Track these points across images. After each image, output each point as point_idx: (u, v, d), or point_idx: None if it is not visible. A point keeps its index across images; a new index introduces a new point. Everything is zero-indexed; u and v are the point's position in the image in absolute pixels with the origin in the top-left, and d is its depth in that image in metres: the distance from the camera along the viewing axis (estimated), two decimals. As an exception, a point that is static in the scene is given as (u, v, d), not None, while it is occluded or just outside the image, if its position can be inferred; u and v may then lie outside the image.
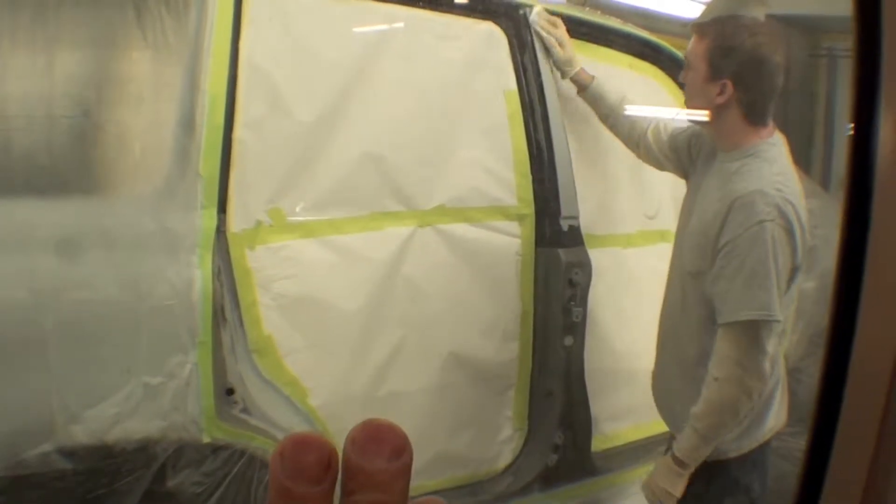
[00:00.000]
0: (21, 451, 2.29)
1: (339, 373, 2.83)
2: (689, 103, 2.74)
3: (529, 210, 3.16)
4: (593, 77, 3.18)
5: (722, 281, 2.49)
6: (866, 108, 1.04)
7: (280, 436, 2.63)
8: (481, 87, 3.13)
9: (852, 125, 1.08)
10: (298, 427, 2.69)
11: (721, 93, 2.54)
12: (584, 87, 3.20)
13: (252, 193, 2.64)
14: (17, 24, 2.33)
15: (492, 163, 3.12)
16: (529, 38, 3.19)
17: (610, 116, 3.17)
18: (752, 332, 2.45)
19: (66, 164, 2.46)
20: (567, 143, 3.19)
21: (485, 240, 3.09)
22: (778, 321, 2.44)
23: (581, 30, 3.44)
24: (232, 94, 2.58)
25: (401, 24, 2.99)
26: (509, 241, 3.14)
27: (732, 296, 2.47)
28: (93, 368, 2.38)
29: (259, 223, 2.65)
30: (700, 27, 2.64)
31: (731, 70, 2.53)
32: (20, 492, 2.33)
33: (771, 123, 2.59)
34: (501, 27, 3.18)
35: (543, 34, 3.18)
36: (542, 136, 3.18)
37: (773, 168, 2.50)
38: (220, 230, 2.57)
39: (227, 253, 2.59)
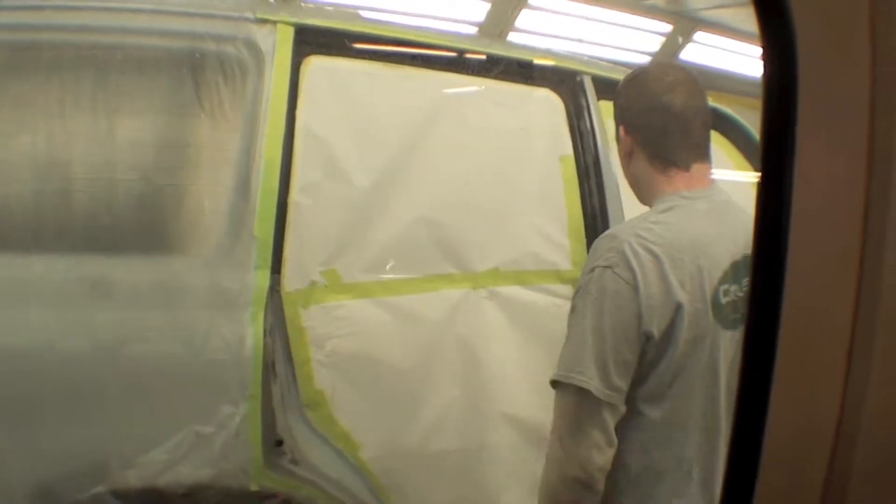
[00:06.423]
0: (76, 493, 2.44)
1: (390, 429, 2.89)
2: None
3: (583, 274, 3.19)
4: None
5: None
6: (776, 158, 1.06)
7: (327, 486, 2.73)
8: (537, 152, 3.19)
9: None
10: (347, 478, 2.79)
11: (621, 139, 2.28)
12: None
13: (307, 255, 2.75)
14: (80, 91, 2.54)
15: (547, 227, 3.16)
16: (586, 103, 3.26)
17: None
18: (564, 399, 2.04)
19: (125, 224, 2.63)
20: (622, 208, 3.20)
21: (539, 302, 3.12)
22: (583, 387, 1.98)
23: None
24: (288, 160, 2.71)
25: (457, 92, 3.10)
26: (564, 303, 3.17)
27: None
28: (147, 417, 2.52)
29: (314, 283, 2.75)
30: None
31: (619, 114, 2.30)
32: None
33: (693, 173, 2.19)
34: (558, 93, 3.25)
35: None
36: (596, 201, 3.21)
37: (656, 217, 2.13)
38: (275, 289, 2.68)
39: (282, 311, 2.71)
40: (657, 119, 2.20)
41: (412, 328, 2.93)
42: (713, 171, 2.26)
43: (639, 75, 2.32)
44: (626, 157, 2.29)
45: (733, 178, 3.30)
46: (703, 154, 2.22)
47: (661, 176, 2.20)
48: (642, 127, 2.23)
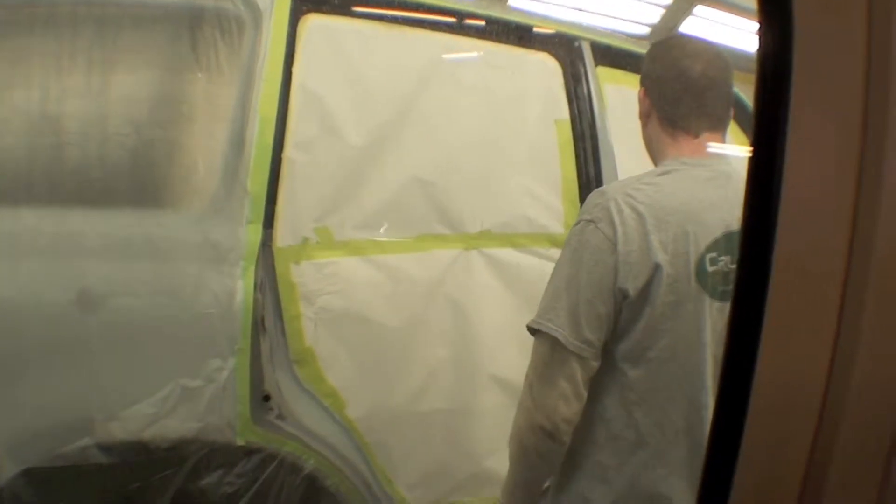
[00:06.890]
0: (62, 445, 2.45)
1: (378, 387, 2.91)
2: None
3: (576, 237, 3.19)
4: None
5: None
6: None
7: (313, 443, 2.75)
8: (533, 115, 3.19)
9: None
10: (333, 436, 2.80)
11: (641, 100, 2.28)
12: None
13: (300, 211, 2.76)
14: (77, 46, 2.52)
15: (540, 190, 3.16)
16: (583, 68, 3.25)
17: None
18: (538, 347, 2.05)
19: (118, 178, 2.61)
20: (616, 174, 3.21)
21: (530, 265, 3.12)
22: (553, 335, 1.99)
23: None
24: (283, 116, 2.71)
25: (454, 53, 3.09)
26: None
27: None
28: (134, 370, 2.53)
29: (306, 240, 2.76)
30: None
31: (642, 75, 2.29)
32: (60, 483, 2.49)
33: (702, 141, 2.19)
34: (556, 57, 3.24)
35: None
36: (591, 165, 3.22)
37: (651, 179, 2.11)
38: (267, 245, 2.69)
39: (273, 267, 2.71)
40: (673, 83, 2.19)
41: (403, 287, 2.93)
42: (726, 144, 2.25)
43: (666, 41, 2.34)
44: (644, 119, 2.28)
45: (731, 151, 3.29)
46: (715, 125, 2.20)
47: (669, 139, 2.19)
48: (658, 89, 2.22)
